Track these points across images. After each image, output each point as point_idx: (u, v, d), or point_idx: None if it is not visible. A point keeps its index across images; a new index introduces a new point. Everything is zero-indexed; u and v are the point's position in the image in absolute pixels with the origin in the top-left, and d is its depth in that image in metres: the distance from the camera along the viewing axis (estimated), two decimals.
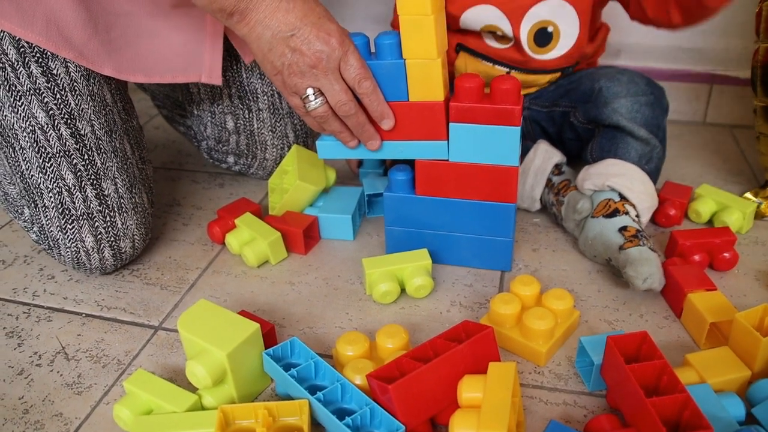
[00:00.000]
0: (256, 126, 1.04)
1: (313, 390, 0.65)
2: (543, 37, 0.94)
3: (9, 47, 0.80)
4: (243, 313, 0.75)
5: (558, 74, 1.00)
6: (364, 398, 0.64)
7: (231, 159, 1.09)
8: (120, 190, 0.87)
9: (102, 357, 0.77)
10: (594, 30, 1.00)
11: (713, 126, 1.28)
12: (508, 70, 0.99)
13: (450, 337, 0.67)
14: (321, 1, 0.75)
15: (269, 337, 0.73)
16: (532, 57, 0.96)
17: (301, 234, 0.91)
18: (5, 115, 0.82)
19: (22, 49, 0.81)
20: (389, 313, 0.81)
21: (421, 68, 0.74)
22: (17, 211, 0.93)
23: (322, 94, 0.75)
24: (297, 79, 0.74)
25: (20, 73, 0.81)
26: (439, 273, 0.87)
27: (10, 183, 0.90)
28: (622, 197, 0.86)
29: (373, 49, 0.77)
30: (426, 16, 0.71)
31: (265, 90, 1.01)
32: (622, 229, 0.82)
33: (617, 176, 0.86)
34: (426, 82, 0.75)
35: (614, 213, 0.85)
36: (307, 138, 1.07)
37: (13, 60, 0.81)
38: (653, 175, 0.90)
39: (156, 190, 0.99)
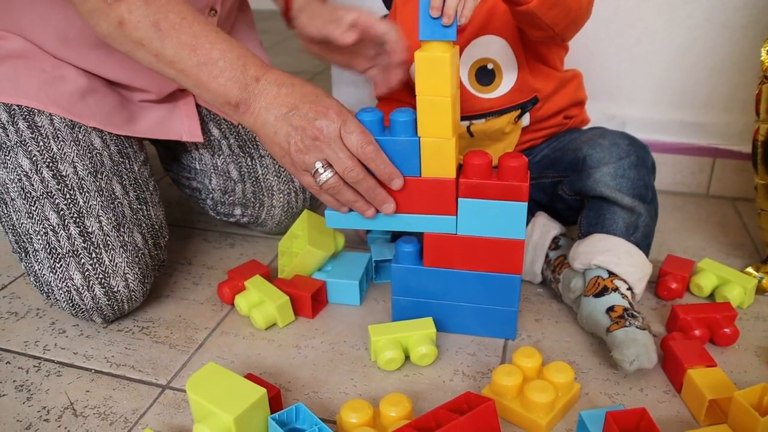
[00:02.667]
0: (260, 172, 1.07)
1: None
2: (485, 75, 0.96)
3: (1, 112, 0.88)
4: (250, 377, 0.76)
5: (518, 111, 0.98)
6: None
7: (238, 211, 1.12)
8: (105, 228, 0.89)
9: (110, 414, 0.78)
10: (539, 61, 0.98)
11: (716, 198, 1.30)
12: (467, 123, 0.99)
13: (452, 408, 0.68)
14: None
15: (275, 401, 0.74)
16: (479, 97, 0.97)
17: (309, 298, 0.92)
18: None
19: (12, 111, 0.88)
20: (393, 380, 0.82)
21: (435, 146, 0.77)
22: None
23: (330, 166, 0.78)
24: (303, 155, 0.77)
25: (8, 130, 0.88)
26: (443, 341, 0.89)
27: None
28: (611, 273, 0.87)
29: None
30: (444, 97, 0.74)
31: None
32: (609, 310, 0.83)
33: (603, 253, 0.87)
34: (439, 159, 0.78)
35: (603, 291, 0.85)
36: None
37: (5, 122, 0.88)
38: (642, 243, 0.89)
39: (168, 247, 1.02)
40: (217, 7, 0.97)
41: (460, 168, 0.81)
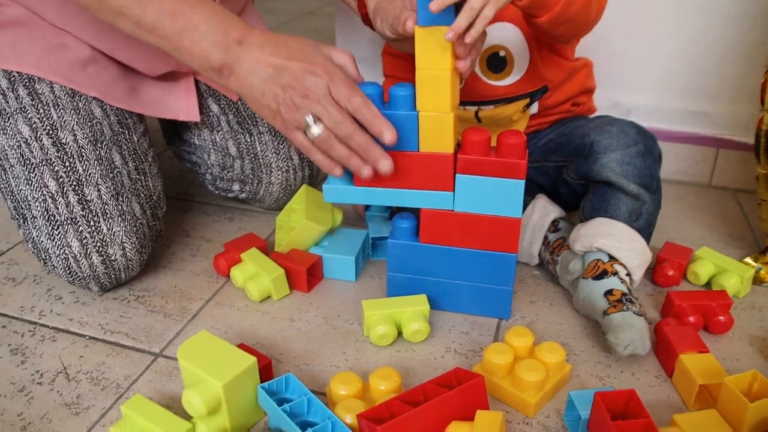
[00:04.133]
0: (259, 149, 1.07)
1: (304, 426, 0.66)
2: (496, 62, 0.96)
3: (1, 78, 0.89)
4: (242, 347, 0.77)
5: (527, 100, 0.98)
6: None
7: (236, 186, 1.12)
8: (104, 196, 0.89)
9: (102, 380, 0.79)
10: (551, 50, 0.97)
11: (718, 189, 1.30)
12: (476, 108, 0.99)
13: (441, 383, 0.69)
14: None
15: (266, 371, 0.75)
16: (489, 83, 0.97)
17: (304, 272, 0.93)
18: None
19: (12, 78, 0.89)
20: (385, 355, 0.83)
21: (433, 121, 0.77)
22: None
23: (321, 120, 0.77)
24: (293, 113, 0.76)
25: (9, 97, 0.88)
26: (437, 319, 0.89)
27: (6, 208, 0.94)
28: (612, 257, 0.87)
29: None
30: (444, 71, 0.73)
31: None
32: (608, 293, 0.83)
33: (605, 237, 0.87)
34: (437, 134, 0.78)
35: (602, 275, 0.85)
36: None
37: (4, 88, 0.89)
38: (644, 230, 0.89)
39: (167, 220, 1.02)
40: None
41: (459, 146, 0.81)
